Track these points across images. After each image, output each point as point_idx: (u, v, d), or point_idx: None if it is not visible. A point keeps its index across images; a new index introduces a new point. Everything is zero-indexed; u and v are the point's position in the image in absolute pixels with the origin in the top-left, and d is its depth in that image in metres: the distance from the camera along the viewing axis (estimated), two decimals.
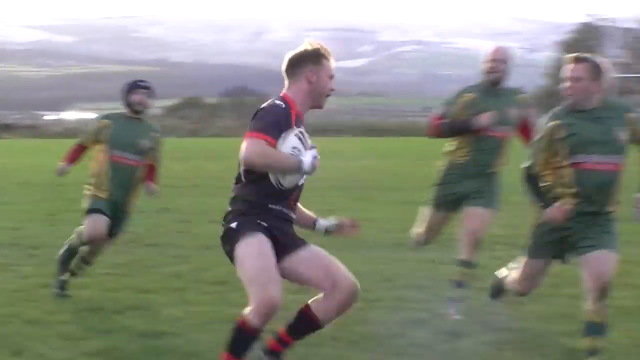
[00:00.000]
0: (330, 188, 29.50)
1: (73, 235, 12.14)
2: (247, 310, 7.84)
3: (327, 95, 8.39)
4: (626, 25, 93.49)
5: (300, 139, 7.92)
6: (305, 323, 8.28)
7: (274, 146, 7.81)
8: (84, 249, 12.14)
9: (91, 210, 11.77)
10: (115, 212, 12.05)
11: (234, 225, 8.06)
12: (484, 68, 11.41)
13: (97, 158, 11.94)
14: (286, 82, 8.30)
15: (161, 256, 16.40)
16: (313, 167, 7.75)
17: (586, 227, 9.24)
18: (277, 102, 8.05)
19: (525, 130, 11.48)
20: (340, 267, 8.19)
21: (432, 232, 11.94)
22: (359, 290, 8.16)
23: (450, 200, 11.74)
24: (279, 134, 7.88)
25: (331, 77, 8.29)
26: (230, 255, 8.09)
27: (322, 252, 8.25)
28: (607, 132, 9.04)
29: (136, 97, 11.83)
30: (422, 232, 11.97)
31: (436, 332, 10.82)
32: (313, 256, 8.23)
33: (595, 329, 9.06)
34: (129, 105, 11.97)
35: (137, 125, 12.06)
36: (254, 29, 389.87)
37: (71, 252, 12.06)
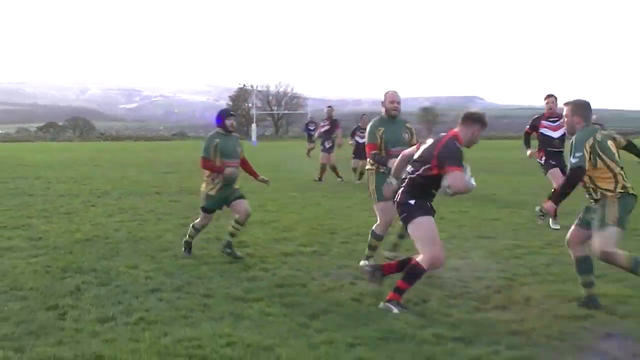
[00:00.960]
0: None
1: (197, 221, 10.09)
2: (420, 258, 7.14)
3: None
4: (259, 88, 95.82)
5: (467, 168, 7.21)
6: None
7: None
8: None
9: (205, 210, 9.96)
10: (225, 198, 9.89)
11: (412, 202, 7.23)
12: (387, 107, 9.25)
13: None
14: (459, 122, 7.38)
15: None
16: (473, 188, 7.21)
17: None
18: (457, 143, 7.19)
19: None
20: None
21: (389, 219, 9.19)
22: None
23: None
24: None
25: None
26: (405, 219, 7.31)
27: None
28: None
29: (230, 121, 9.96)
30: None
31: None
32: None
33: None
34: (225, 127, 9.99)
35: (232, 138, 10.04)
36: (81, 88, 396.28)
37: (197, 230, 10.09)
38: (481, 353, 5.87)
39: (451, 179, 7.02)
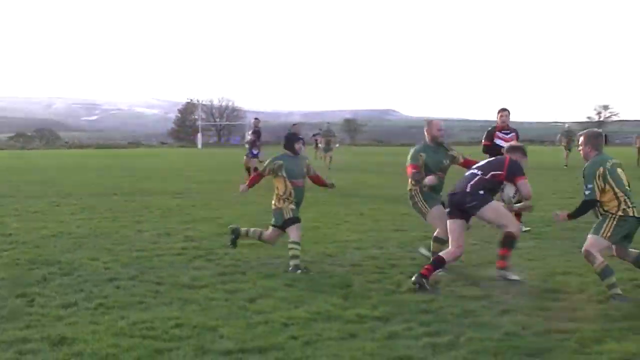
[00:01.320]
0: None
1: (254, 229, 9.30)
2: (510, 229, 7.47)
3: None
4: (204, 102, 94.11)
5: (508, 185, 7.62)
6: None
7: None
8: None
9: (294, 220, 8.71)
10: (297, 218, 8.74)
11: (482, 192, 7.34)
12: (435, 134, 8.58)
13: (278, 184, 8.87)
14: (505, 151, 7.87)
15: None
16: None
17: None
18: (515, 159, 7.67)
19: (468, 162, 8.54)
20: None
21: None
22: None
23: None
24: None
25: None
26: (475, 207, 7.35)
27: None
28: None
29: (298, 145, 9.02)
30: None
31: None
32: None
33: None
34: (293, 149, 9.05)
35: (298, 159, 9.05)
36: (47, 103, 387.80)
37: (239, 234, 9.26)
38: (397, 329, 5.87)
39: (522, 186, 7.48)
